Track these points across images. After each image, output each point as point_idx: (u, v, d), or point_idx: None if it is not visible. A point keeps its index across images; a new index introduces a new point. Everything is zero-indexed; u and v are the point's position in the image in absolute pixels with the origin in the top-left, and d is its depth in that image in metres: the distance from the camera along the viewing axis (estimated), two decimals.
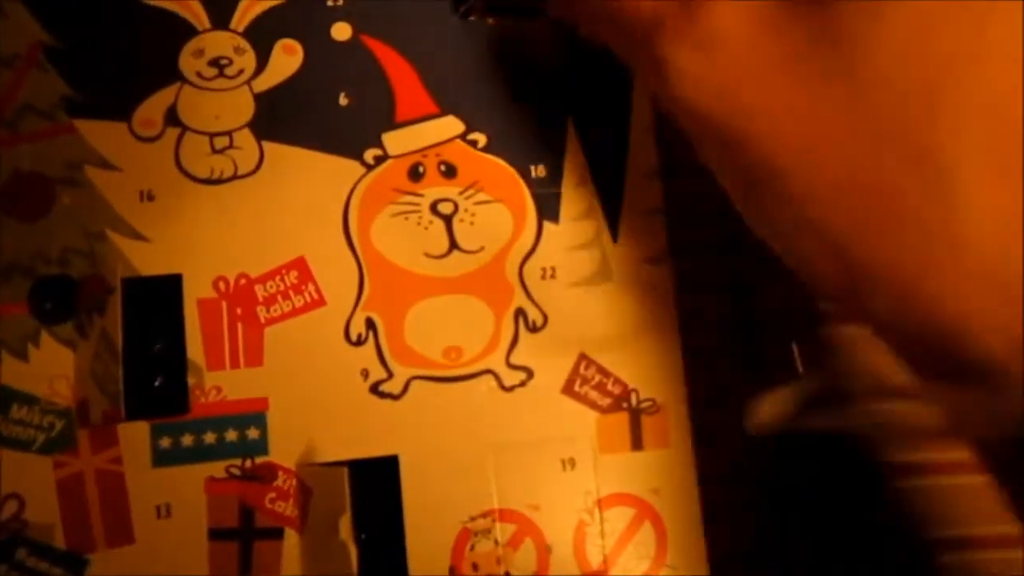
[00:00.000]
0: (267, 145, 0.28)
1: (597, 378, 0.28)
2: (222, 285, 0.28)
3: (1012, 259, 0.17)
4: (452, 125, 0.29)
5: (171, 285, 0.26)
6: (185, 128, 0.28)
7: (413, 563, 0.26)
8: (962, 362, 0.18)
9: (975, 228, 0.17)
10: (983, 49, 0.17)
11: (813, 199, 0.18)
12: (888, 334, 0.19)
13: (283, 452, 0.27)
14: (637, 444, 0.28)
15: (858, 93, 0.18)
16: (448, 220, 0.29)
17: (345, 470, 0.25)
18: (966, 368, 0.18)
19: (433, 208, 0.29)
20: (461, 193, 0.29)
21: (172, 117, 0.28)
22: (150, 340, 0.26)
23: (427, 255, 0.28)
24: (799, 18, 0.18)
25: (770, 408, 0.23)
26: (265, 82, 0.29)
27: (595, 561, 0.28)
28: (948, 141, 0.17)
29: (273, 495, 0.27)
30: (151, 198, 0.28)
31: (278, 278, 0.28)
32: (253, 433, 0.27)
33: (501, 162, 0.29)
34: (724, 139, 0.19)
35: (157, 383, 0.26)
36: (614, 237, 0.29)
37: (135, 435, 0.27)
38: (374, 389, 0.28)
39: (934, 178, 0.17)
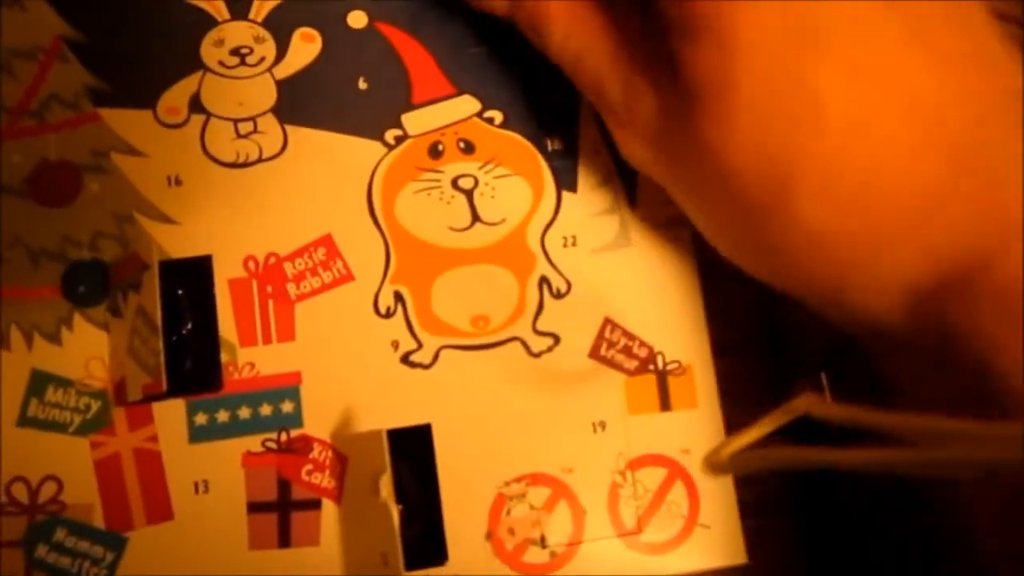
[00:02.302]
0: (291, 129, 0.29)
1: (623, 342, 0.29)
2: (252, 264, 0.28)
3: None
4: (468, 104, 0.30)
5: (202, 266, 0.27)
6: (210, 115, 0.29)
7: (450, 530, 0.26)
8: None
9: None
10: None
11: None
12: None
13: (318, 424, 0.27)
14: (665, 405, 0.29)
15: None
16: (469, 194, 0.29)
17: (383, 433, 0.25)
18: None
19: (454, 183, 0.29)
20: (480, 168, 0.29)
21: (196, 104, 0.29)
22: (184, 320, 0.26)
23: (451, 228, 0.29)
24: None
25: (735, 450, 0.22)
26: (286, 69, 0.29)
27: (629, 522, 0.28)
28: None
29: (310, 467, 0.27)
30: (179, 183, 0.28)
31: (307, 255, 0.28)
32: (287, 407, 0.27)
33: (517, 137, 0.30)
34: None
35: (187, 365, 0.26)
36: (632, 203, 0.30)
37: (171, 413, 0.27)
38: (405, 359, 0.28)
39: None
